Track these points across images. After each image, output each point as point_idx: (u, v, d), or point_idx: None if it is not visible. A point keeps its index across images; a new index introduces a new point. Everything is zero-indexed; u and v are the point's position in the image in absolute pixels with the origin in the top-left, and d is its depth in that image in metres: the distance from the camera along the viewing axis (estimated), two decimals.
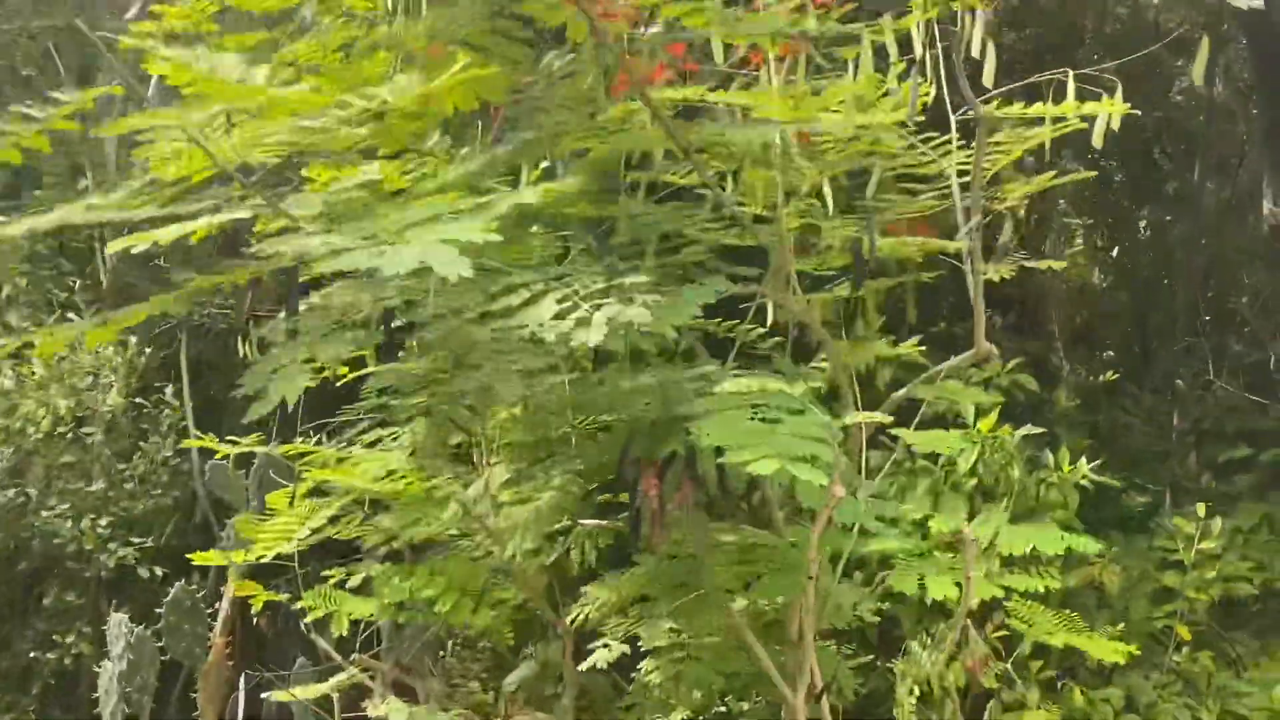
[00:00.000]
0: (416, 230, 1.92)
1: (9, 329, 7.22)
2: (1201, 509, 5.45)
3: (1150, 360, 9.41)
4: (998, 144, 3.39)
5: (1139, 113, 3.43)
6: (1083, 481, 5.13)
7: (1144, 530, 6.49)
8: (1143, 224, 11.22)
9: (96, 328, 2.76)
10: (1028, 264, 3.79)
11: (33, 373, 6.71)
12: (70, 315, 7.49)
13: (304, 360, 2.17)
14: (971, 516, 5.21)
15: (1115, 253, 9.38)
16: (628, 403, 2.93)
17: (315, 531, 4.08)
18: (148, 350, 7.18)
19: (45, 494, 6.42)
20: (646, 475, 2.90)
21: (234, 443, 4.47)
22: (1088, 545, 3.37)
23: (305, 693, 4.21)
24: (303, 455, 4.37)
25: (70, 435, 6.77)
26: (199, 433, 7.57)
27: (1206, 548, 5.30)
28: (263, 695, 4.79)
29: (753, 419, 2.58)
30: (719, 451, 2.64)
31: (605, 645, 3.46)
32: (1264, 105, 8.27)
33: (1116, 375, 8.02)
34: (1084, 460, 5.20)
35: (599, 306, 2.40)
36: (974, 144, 3.53)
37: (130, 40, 3.03)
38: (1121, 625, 5.32)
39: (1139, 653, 4.27)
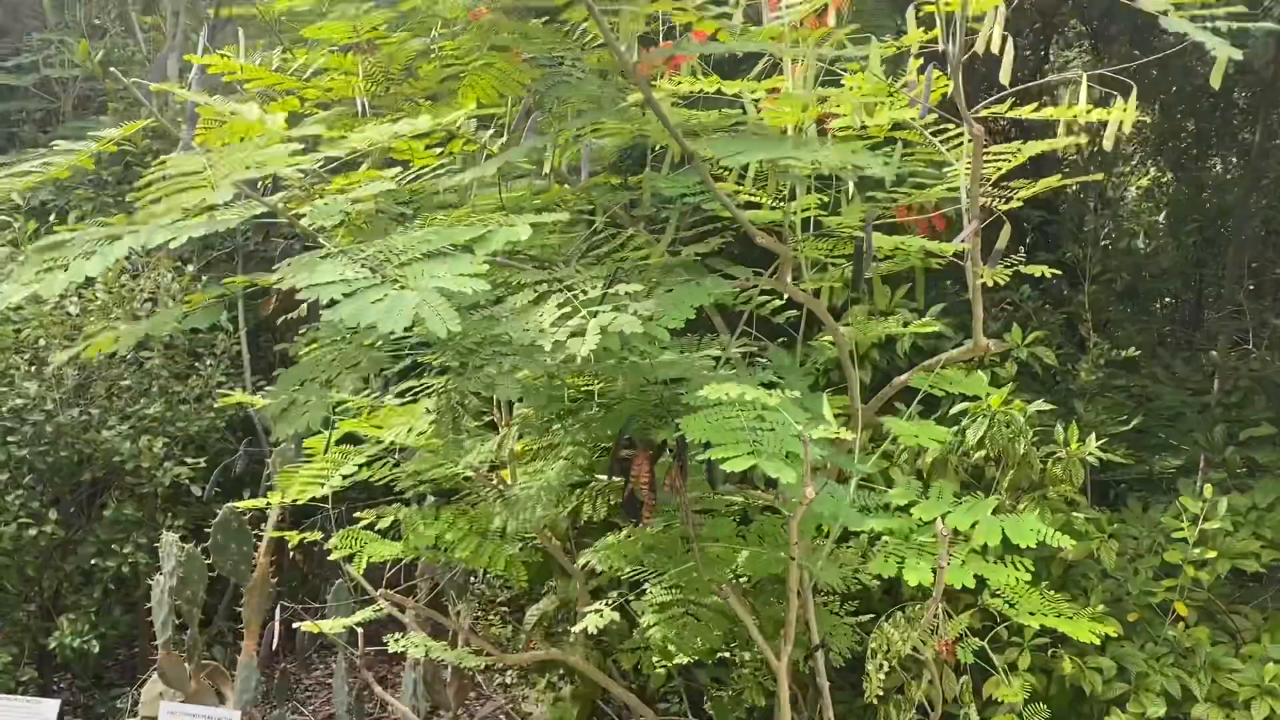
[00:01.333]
0: (419, 267, 2.10)
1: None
2: (1209, 490, 5.54)
3: (1187, 327, 9.36)
4: (998, 154, 3.47)
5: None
6: (1090, 458, 5.25)
7: (1165, 499, 6.59)
8: (1200, 181, 11.04)
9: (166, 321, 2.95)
10: (1024, 269, 3.89)
11: (95, 296, 7.06)
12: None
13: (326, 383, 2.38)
14: (985, 489, 5.40)
15: (1163, 216, 9.25)
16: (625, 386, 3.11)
17: (347, 479, 4.35)
18: (204, 278, 7.49)
19: (106, 413, 6.81)
20: (639, 460, 3.11)
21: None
22: (1062, 540, 3.52)
23: (332, 626, 4.53)
24: (338, 404, 4.65)
25: (130, 357, 7.15)
26: (250, 356, 7.98)
27: (1210, 527, 5.41)
28: (294, 625, 5.14)
29: (736, 417, 2.77)
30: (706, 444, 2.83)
31: (598, 611, 3.71)
32: None
33: (1150, 341, 8.01)
34: (1093, 437, 5.31)
35: (595, 314, 2.58)
36: (990, 142, 3.64)
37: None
38: (1121, 599, 5.50)
39: (1114, 634, 4.44)
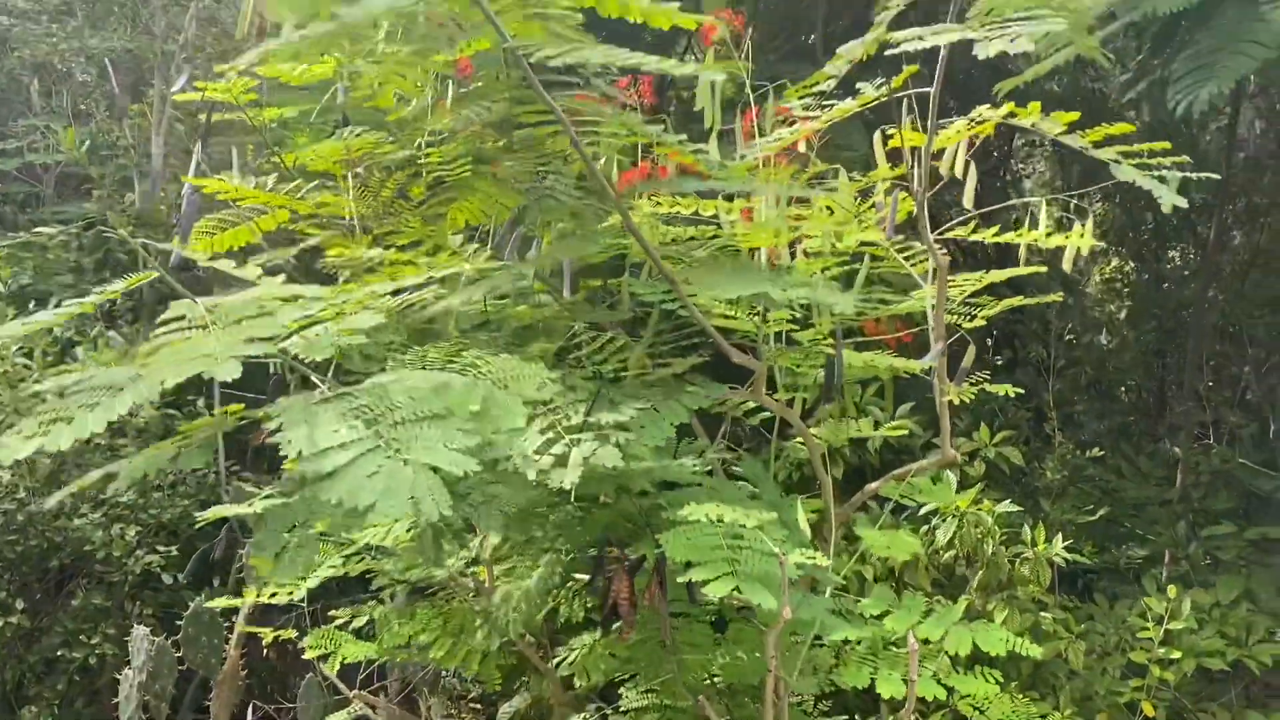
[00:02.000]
0: (413, 429, 2.16)
1: (55, 339, 7.61)
2: (1173, 590, 5.66)
3: (1151, 419, 9.55)
4: (963, 280, 3.62)
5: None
6: (1056, 558, 5.36)
7: (1130, 597, 6.70)
8: (1161, 274, 11.36)
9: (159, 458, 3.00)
10: (989, 387, 4.03)
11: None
12: (110, 331, 7.88)
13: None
14: (956, 587, 5.49)
15: (1124, 313, 9.51)
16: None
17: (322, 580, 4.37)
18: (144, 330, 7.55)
19: (78, 500, 6.79)
20: (619, 576, 3.18)
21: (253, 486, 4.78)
22: (1030, 649, 3.60)
23: None
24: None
25: (104, 443, 7.14)
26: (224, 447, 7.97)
27: (1175, 626, 5.50)
28: None
29: (714, 535, 2.85)
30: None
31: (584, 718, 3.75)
32: None
33: (1115, 436, 8.19)
34: (1059, 537, 5.42)
35: (578, 442, 2.67)
36: (956, 257, 3.80)
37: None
38: (1090, 697, 5.57)
39: None
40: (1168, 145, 2.61)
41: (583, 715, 4.02)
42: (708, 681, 3.84)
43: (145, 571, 6.92)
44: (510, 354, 2.81)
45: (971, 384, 3.91)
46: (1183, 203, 2.53)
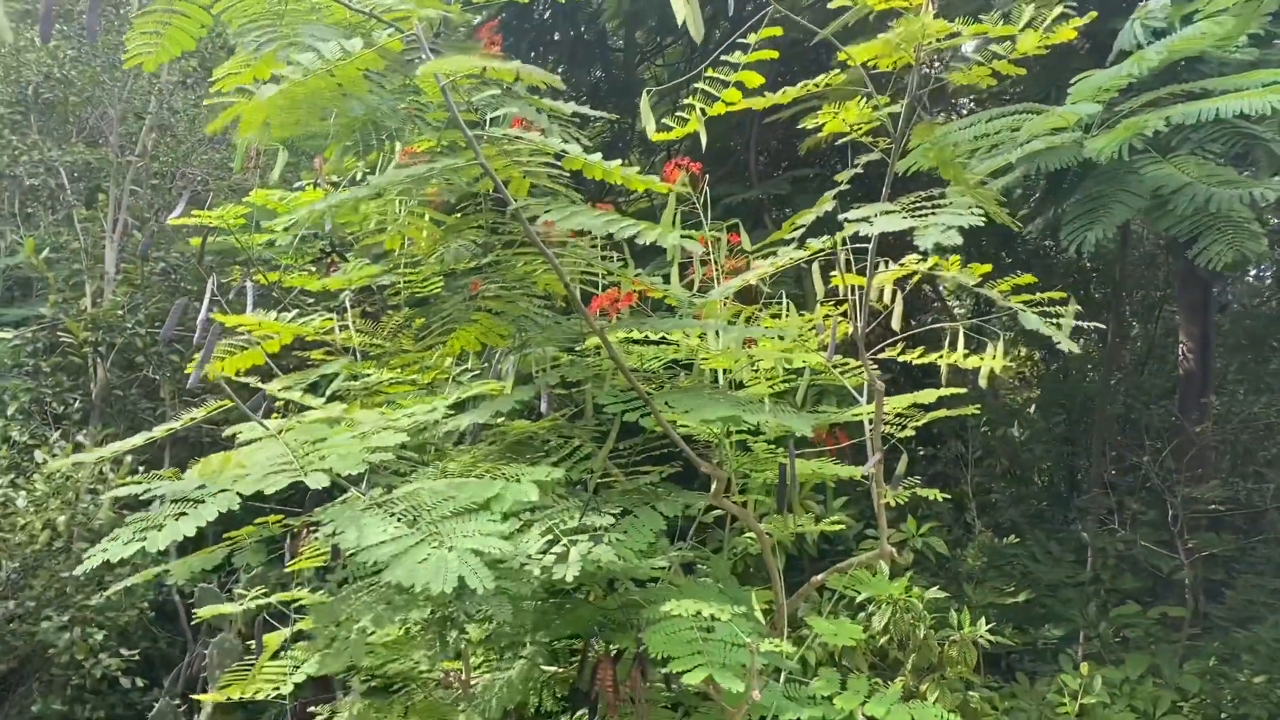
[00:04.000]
0: (450, 525, 2.57)
1: (11, 442, 7.75)
2: (1085, 667, 6.18)
3: (1062, 505, 10.22)
4: (893, 403, 4.16)
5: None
6: (981, 640, 5.85)
7: (1048, 675, 7.22)
8: (1068, 363, 12.18)
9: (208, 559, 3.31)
10: (921, 491, 4.56)
11: (34, 488, 7.21)
12: (71, 428, 8.04)
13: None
14: (890, 669, 5.92)
15: (1033, 406, 10.24)
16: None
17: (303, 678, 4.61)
18: (140, 468, 7.71)
19: (42, 605, 6.89)
20: (603, 665, 3.56)
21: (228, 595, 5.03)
22: None
23: None
24: (297, 602, 4.97)
25: (70, 547, 7.26)
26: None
27: (1088, 702, 6.01)
28: None
29: (689, 629, 3.26)
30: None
31: None
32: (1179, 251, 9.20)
33: (1030, 522, 8.80)
34: (983, 621, 5.92)
35: (575, 542, 3.09)
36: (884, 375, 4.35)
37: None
38: None
39: None
40: (1064, 295, 3.17)
41: None
42: None
43: (103, 675, 7.02)
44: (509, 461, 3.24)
45: (905, 489, 4.41)
46: (1076, 349, 3.08)
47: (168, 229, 9.74)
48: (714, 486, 4.02)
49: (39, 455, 7.53)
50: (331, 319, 4.13)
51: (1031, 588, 7.99)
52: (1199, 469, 9.12)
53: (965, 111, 10.71)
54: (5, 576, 6.90)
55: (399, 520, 2.60)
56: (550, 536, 3.17)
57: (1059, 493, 10.24)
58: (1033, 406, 10.43)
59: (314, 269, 5.16)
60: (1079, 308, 3.08)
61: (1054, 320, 3.11)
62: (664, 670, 3.16)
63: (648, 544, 3.37)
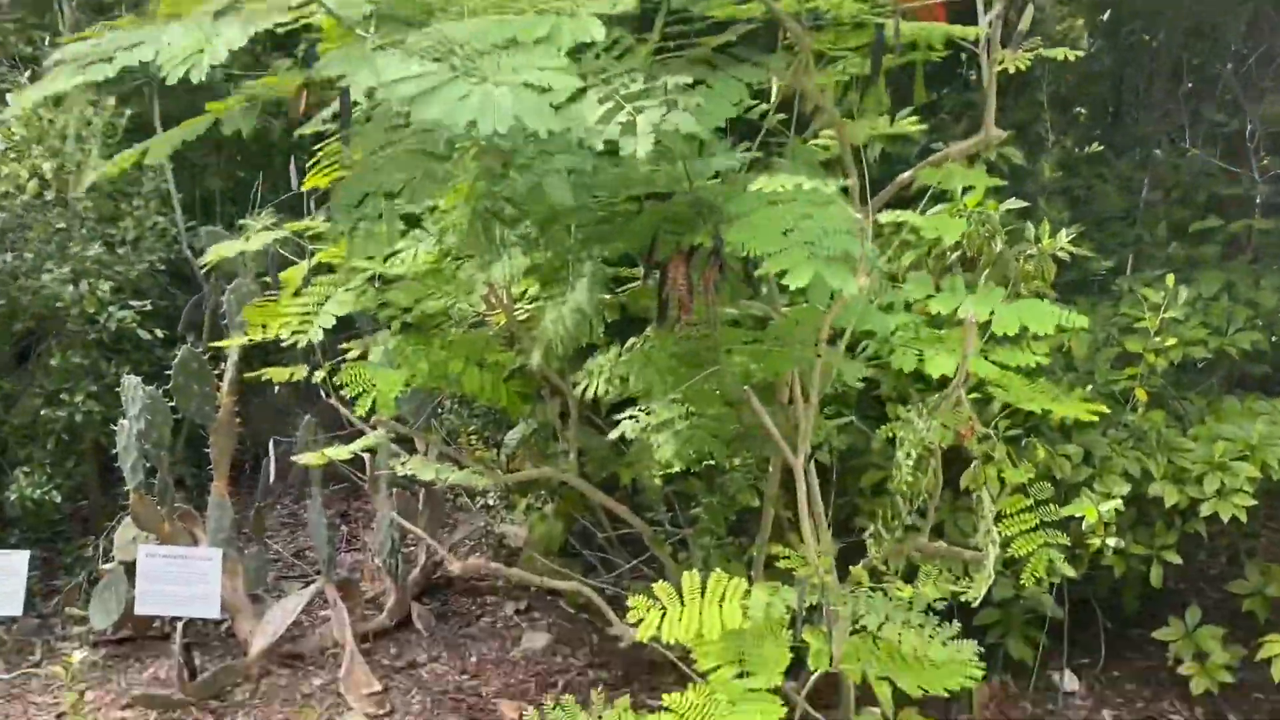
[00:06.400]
0: (492, 59, 1.92)
1: None
2: (1170, 280, 5.72)
3: (1129, 126, 9.45)
4: None
5: None
6: (1060, 253, 5.34)
7: (1108, 294, 6.82)
8: None
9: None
10: (1045, 53, 3.81)
11: (13, 133, 6.56)
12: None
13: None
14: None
15: (1106, 14, 9.20)
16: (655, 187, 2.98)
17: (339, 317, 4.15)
18: (127, 111, 7.01)
19: (39, 257, 6.45)
20: (675, 263, 3.02)
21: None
22: (1075, 320, 3.59)
23: (337, 453, 4.45)
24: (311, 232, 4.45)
25: (54, 198, 6.73)
26: (179, 194, 7.58)
27: (1169, 316, 5.61)
28: (293, 458, 5.05)
29: (783, 217, 2.67)
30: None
31: (633, 417, 3.69)
32: None
33: (1097, 143, 8.09)
34: (1063, 232, 5.38)
35: (640, 110, 2.44)
36: None
37: None
38: (1088, 388, 5.71)
39: (1105, 412, 4.64)
40: None
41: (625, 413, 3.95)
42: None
43: (119, 329, 6.71)
44: None
45: (1028, 50, 3.70)
46: None
47: None
48: (796, 60, 3.33)
49: (10, 100, 6.79)
50: None
51: (1101, 207, 7.47)
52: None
53: None
54: None
55: (421, 58, 1.95)
56: (610, 103, 2.51)
57: (1126, 111, 9.43)
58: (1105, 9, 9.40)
59: None
60: None
61: None
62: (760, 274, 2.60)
63: (725, 119, 2.72)
